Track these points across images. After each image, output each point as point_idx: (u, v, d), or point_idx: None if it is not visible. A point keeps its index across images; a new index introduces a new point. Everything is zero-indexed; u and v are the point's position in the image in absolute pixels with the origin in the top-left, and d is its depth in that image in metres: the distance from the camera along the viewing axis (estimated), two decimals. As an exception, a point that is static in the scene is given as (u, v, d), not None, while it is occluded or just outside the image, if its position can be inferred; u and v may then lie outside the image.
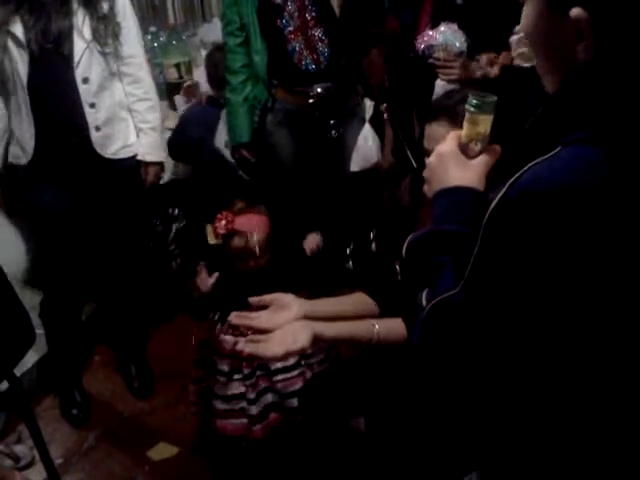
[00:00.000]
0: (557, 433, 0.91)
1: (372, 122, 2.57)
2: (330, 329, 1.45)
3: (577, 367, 0.85)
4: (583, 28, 0.78)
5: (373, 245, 2.72)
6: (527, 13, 0.85)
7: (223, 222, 1.86)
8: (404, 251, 1.05)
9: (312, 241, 2.25)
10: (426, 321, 0.92)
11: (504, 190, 0.80)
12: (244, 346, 1.42)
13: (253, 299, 1.56)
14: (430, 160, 1.10)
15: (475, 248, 0.84)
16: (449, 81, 2.04)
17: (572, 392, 0.87)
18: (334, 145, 2.55)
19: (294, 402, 1.87)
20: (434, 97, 2.07)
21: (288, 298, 1.53)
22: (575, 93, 0.82)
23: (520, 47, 1.17)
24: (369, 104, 2.57)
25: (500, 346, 0.86)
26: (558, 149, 0.79)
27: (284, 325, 1.45)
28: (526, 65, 1.27)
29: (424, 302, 0.93)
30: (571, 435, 0.90)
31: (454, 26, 1.98)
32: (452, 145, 1.08)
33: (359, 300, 1.61)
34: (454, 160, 1.06)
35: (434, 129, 1.41)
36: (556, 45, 0.82)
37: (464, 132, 1.07)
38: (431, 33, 1.98)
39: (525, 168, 0.80)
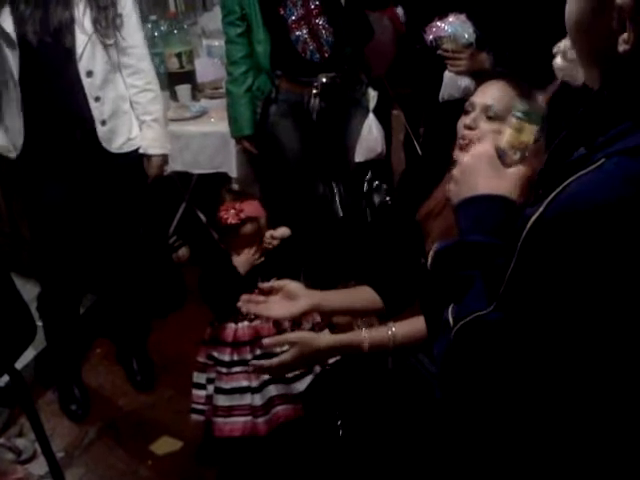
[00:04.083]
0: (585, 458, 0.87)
1: (376, 112, 2.54)
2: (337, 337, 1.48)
3: (622, 396, 0.80)
4: (627, 17, 0.73)
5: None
6: (572, 5, 0.82)
7: (232, 212, 1.89)
8: (430, 263, 1.00)
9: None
10: (455, 340, 0.87)
11: (543, 207, 0.76)
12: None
13: (264, 285, 1.59)
14: (464, 160, 1.06)
15: (510, 265, 0.79)
16: (457, 72, 2.02)
17: (611, 419, 0.82)
18: (338, 136, 2.53)
19: (299, 387, 1.86)
20: (442, 89, 2.06)
21: (297, 288, 1.55)
22: (617, 90, 0.78)
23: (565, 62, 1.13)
24: (373, 94, 2.54)
25: (536, 365, 0.81)
26: (601, 161, 0.74)
27: (290, 317, 1.47)
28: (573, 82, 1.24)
29: (451, 320, 0.88)
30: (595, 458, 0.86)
31: (462, 17, 1.96)
32: (489, 149, 1.04)
33: (366, 295, 1.60)
34: (489, 165, 1.02)
35: (492, 84, 1.42)
36: (600, 36, 0.78)
37: (506, 138, 1.03)
38: (439, 24, 1.96)
39: (565, 183, 0.75)
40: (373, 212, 2.64)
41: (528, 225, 0.77)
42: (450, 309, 0.89)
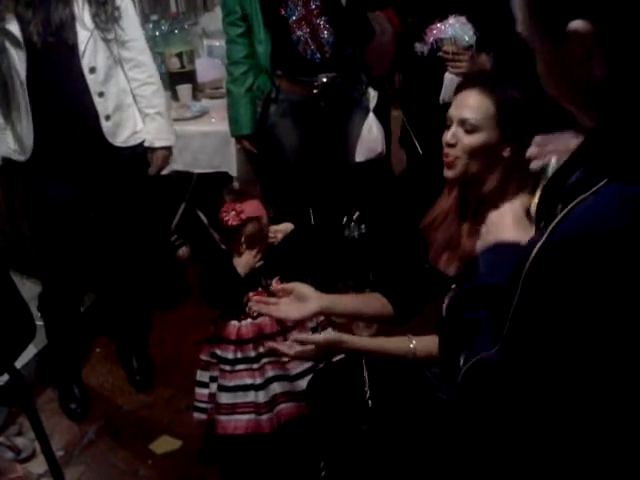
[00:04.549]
0: None
1: (376, 112, 2.54)
2: (357, 339, 1.50)
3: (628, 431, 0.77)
4: (588, 43, 0.71)
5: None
6: (538, 61, 0.79)
7: (233, 213, 1.89)
8: (444, 310, 1.00)
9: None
10: (462, 385, 0.85)
11: (545, 237, 0.72)
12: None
13: (275, 287, 1.64)
14: (490, 215, 1.07)
15: (514, 301, 0.76)
16: (458, 74, 2.03)
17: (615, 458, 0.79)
18: (338, 136, 2.53)
19: (303, 384, 1.87)
20: (443, 90, 2.06)
21: (308, 290, 1.57)
22: (607, 119, 0.75)
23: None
24: (373, 94, 2.54)
25: (543, 401, 0.79)
26: (601, 184, 0.71)
27: (300, 319, 1.54)
28: None
29: (462, 364, 0.86)
30: None
31: (463, 19, 1.96)
32: (517, 206, 1.05)
33: (375, 301, 1.62)
34: (514, 221, 1.01)
35: (465, 95, 1.41)
36: (572, 75, 0.75)
37: (535, 200, 1.01)
38: (440, 26, 1.96)
39: (566, 210, 0.72)
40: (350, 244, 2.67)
41: (531, 256, 0.73)
42: (464, 354, 0.87)
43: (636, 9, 0.68)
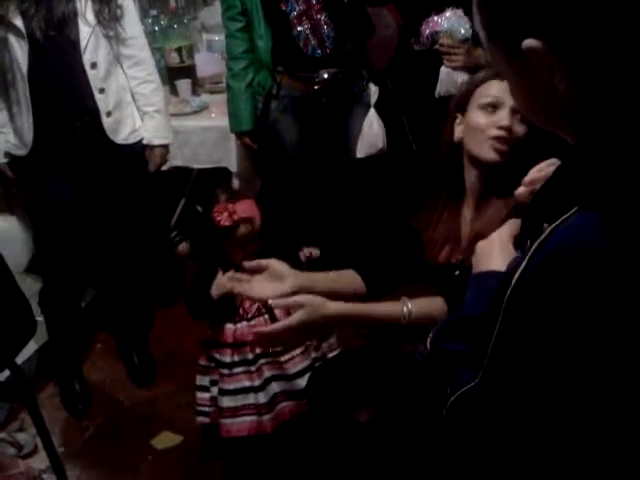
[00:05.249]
0: None
1: (377, 107, 2.54)
2: (342, 304, 1.38)
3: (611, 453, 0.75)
4: (546, 60, 0.68)
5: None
6: (509, 87, 0.77)
7: (226, 214, 1.87)
8: (428, 344, 0.97)
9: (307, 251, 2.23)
10: (446, 420, 0.83)
11: (525, 261, 0.70)
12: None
13: (249, 263, 1.52)
14: (480, 244, 1.05)
15: (494, 332, 0.73)
16: (454, 68, 2.02)
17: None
18: (339, 131, 2.53)
19: (302, 383, 1.86)
20: (438, 84, 2.06)
21: (283, 268, 1.48)
22: (584, 145, 0.72)
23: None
24: (374, 89, 2.53)
25: (524, 440, 0.77)
26: (580, 206, 0.68)
27: (274, 297, 1.41)
28: None
29: (447, 397, 0.84)
30: None
31: (459, 12, 1.95)
32: (503, 233, 1.02)
33: (350, 278, 1.57)
34: (501, 249, 0.99)
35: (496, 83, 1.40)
36: (541, 96, 0.72)
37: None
38: (436, 19, 1.96)
39: (544, 235, 0.69)
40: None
41: (512, 282, 0.71)
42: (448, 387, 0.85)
43: (583, 24, 0.66)
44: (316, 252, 2.06)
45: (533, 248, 0.70)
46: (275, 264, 1.48)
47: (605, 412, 0.72)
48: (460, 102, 1.50)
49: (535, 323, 0.69)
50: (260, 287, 1.45)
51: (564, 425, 0.74)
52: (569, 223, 0.68)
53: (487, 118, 1.43)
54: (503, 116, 1.41)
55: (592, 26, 0.65)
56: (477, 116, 1.45)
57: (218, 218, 1.87)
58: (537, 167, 1.08)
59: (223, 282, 1.82)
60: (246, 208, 1.91)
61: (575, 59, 0.67)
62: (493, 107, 1.42)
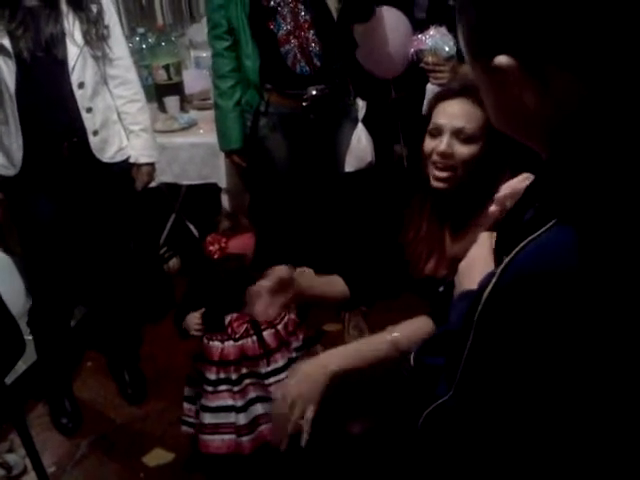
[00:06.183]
0: None
1: (365, 122, 2.56)
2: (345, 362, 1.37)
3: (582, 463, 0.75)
4: (517, 77, 0.69)
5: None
6: (487, 104, 0.78)
7: (217, 246, 1.88)
8: (412, 361, 0.97)
9: None
10: (421, 432, 0.84)
11: (496, 278, 0.70)
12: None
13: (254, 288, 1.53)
14: (461, 264, 1.04)
15: (467, 345, 0.74)
16: (440, 85, 2.04)
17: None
18: (328, 147, 2.54)
19: None
20: (425, 102, 2.07)
21: (286, 273, 1.50)
22: (555, 161, 0.73)
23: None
24: (361, 104, 2.55)
25: (496, 454, 0.77)
26: (552, 222, 0.68)
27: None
28: None
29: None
30: None
31: (443, 30, 1.98)
32: (484, 250, 1.01)
33: (337, 284, 1.58)
34: (484, 267, 0.97)
35: (451, 104, 1.39)
36: (515, 112, 0.73)
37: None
38: (420, 37, 1.97)
39: (516, 250, 0.69)
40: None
41: (483, 297, 0.71)
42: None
43: (548, 44, 0.67)
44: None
45: (503, 264, 0.70)
46: (279, 272, 1.49)
47: (570, 424, 0.72)
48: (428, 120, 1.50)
49: (503, 339, 0.70)
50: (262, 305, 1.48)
51: (533, 439, 0.75)
52: (539, 241, 0.68)
53: (430, 144, 1.43)
54: (440, 141, 1.39)
55: (555, 47, 0.67)
56: (425, 141, 1.45)
57: (209, 248, 1.88)
58: (507, 183, 1.08)
59: (192, 323, 1.91)
60: (239, 244, 1.92)
61: (543, 78, 0.68)
62: (437, 132, 1.41)
